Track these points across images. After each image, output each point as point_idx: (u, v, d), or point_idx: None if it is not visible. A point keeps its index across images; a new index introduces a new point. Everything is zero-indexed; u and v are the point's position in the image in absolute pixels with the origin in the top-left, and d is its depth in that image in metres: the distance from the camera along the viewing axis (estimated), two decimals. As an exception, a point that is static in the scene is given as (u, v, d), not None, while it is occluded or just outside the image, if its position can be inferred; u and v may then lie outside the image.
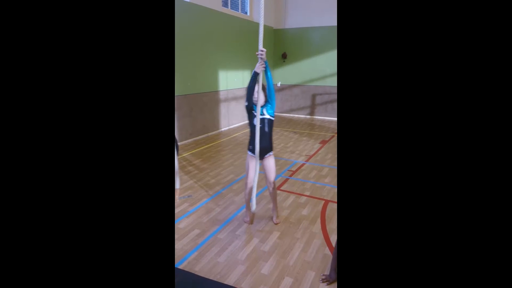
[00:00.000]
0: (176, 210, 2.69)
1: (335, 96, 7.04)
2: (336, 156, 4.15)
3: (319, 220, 2.55)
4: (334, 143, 5.08)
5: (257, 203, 2.85)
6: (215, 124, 5.79)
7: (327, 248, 2.16)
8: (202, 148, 4.72)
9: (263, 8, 1.81)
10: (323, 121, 7.12)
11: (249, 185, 2.34)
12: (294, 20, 7.27)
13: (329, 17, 6.78)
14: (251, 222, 2.50)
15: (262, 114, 2.17)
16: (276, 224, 2.47)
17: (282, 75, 7.69)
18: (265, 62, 1.97)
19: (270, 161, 2.33)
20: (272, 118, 2.24)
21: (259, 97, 1.97)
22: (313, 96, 7.45)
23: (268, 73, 2.07)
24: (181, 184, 3.29)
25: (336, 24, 6.42)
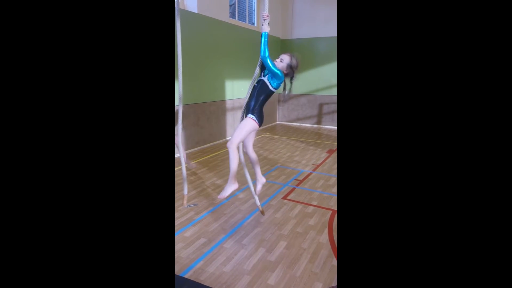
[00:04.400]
0: (182, 219, 2.68)
1: (342, 106, 7.02)
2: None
3: (326, 230, 2.51)
4: (341, 152, 5.04)
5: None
6: (222, 133, 5.81)
7: (334, 259, 2.12)
8: (208, 156, 4.73)
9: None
10: (330, 130, 7.10)
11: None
12: (301, 31, 7.33)
13: (334, 28, 6.83)
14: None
15: (261, 76, 2.25)
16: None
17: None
18: (264, 34, 2.07)
19: (244, 120, 2.25)
20: (270, 87, 2.18)
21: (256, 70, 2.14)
22: (320, 106, 7.45)
23: (262, 47, 2.10)
24: (187, 192, 3.29)
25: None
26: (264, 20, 2.08)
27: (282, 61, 2.21)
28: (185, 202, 2.53)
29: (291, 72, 2.24)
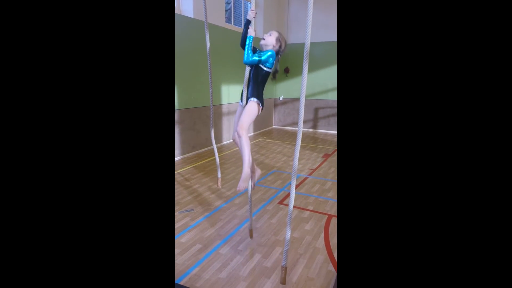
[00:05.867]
0: (178, 224, 2.66)
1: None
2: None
3: (322, 235, 2.51)
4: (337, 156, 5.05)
5: (259, 218, 2.81)
6: (218, 137, 5.80)
7: (330, 264, 2.12)
8: (204, 161, 4.71)
9: None
10: (325, 134, 7.13)
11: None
12: (296, 36, 7.38)
13: (331, 33, 6.89)
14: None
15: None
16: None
17: (285, 89, 7.75)
18: (249, 37, 1.98)
19: (247, 104, 2.18)
20: (265, 69, 2.14)
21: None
22: (316, 110, 7.48)
23: (245, 51, 2.03)
24: (182, 198, 3.27)
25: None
26: (254, 18, 2.01)
27: (271, 35, 2.19)
28: (219, 183, 2.87)
29: (278, 47, 2.22)
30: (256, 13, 2.02)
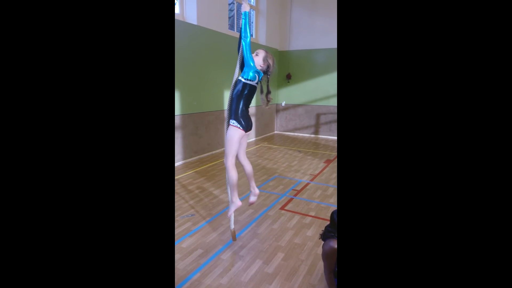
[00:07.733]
0: (179, 229, 2.66)
1: (339, 116, 7.06)
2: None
3: (324, 242, 2.50)
4: (338, 162, 5.04)
5: (260, 223, 2.81)
6: (220, 142, 5.82)
7: (332, 270, 2.11)
8: (207, 166, 4.72)
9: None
10: (327, 140, 7.12)
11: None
12: (299, 42, 7.43)
13: (333, 39, 6.93)
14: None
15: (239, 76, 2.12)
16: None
17: (287, 95, 7.78)
18: (244, 13, 1.91)
19: (227, 130, 2.20)
20: (242, 80, 2.08)
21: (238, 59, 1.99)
22: (317, 116, 7.49)
23: (243, 27, 1.93)
24: (183, 203, 3.27)
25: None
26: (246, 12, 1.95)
27: (258, 55, 2.16)
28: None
29: (266, 68, 2.18)
30: (249, 7, 2.00)
